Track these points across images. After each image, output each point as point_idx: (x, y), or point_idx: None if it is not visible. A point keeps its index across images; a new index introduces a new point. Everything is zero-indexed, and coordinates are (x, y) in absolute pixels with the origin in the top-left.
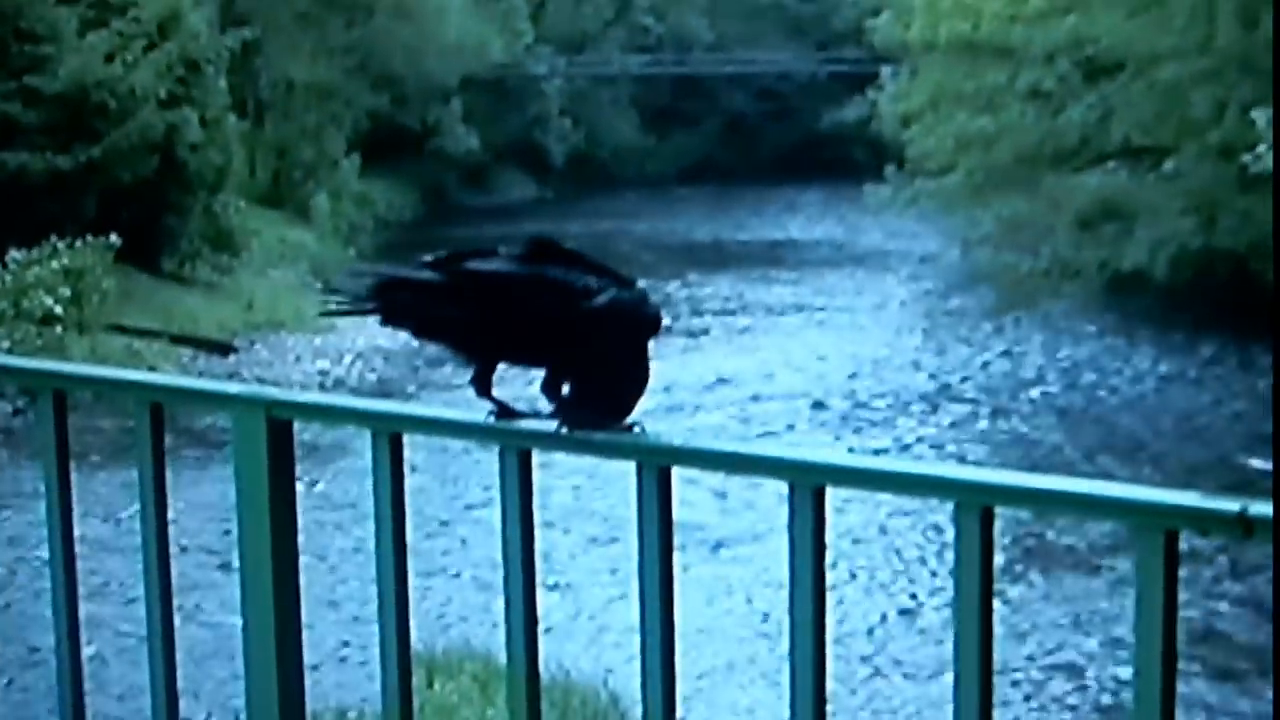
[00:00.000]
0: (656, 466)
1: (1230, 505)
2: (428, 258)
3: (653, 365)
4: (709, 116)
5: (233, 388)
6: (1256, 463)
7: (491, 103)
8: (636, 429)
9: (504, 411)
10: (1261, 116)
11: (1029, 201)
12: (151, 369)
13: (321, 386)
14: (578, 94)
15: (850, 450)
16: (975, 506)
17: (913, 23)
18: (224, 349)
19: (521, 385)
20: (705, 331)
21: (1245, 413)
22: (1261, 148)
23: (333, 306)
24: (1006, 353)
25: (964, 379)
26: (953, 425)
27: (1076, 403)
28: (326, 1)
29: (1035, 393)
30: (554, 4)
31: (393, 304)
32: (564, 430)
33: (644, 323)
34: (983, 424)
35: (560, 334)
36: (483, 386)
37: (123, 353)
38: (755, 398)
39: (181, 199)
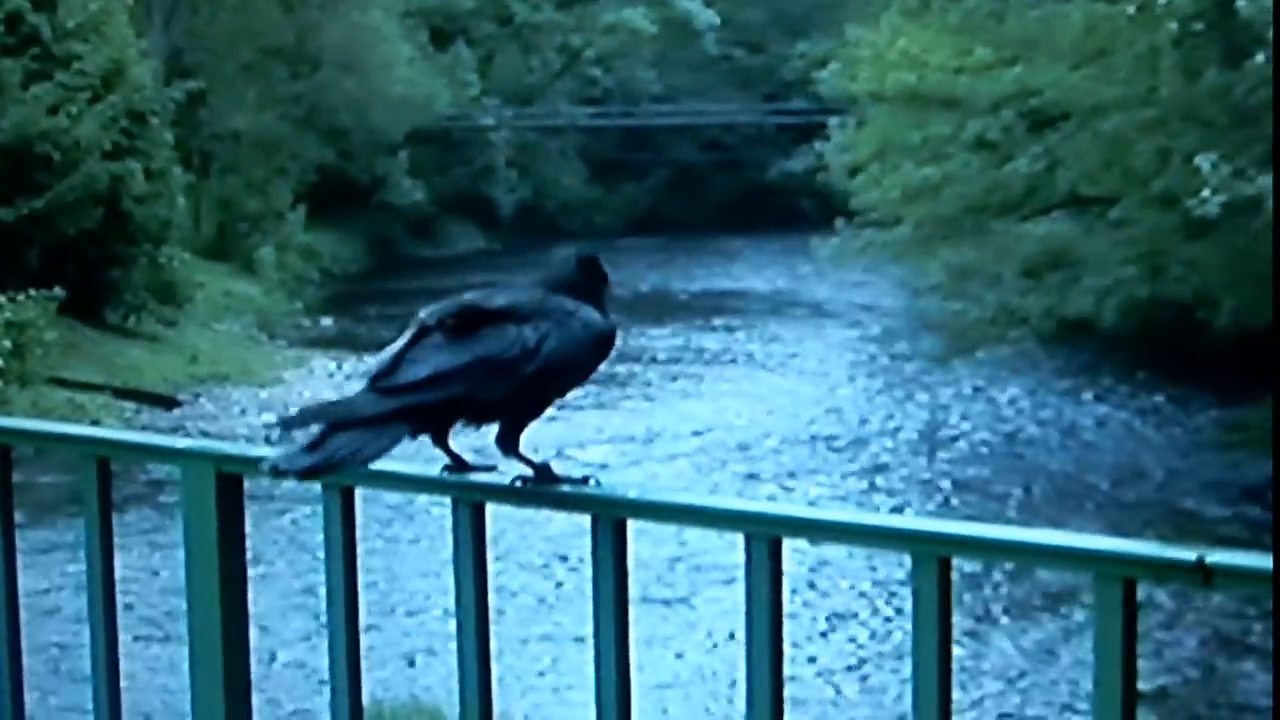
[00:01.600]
0: (612, 519)
1: (1187, 554)
2: (366, 367)
3: (595, 415)
4: (657, 168)
5: (181, 442)
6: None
7: (439, 154)
8: (591, 481)
9: (458, 465)
10: (1206, 162)
11: (976, 250)
12: (95, 423)
13: (267, 440)
14: (525, 146)
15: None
16: (932, 557)
17: (859, 74)
18: (168, 402)
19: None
20: (647, 383)
21: (1190, 458)
22: (1206, 192)
23: (281, 465)
24: (951, 399)
25: (907, 426)
26: (893, 473)
27: (1020, 449)
28: (272, 53)
29: (979, 439)
30: (501, 56)
31: (336, 451)
32: (518, 483)
33: (596, 350)
34: (925, 472)
35: (510, 399)
36: (438, 441)
37: (65, 406)
38: (694, 451)
39: (126, 251)
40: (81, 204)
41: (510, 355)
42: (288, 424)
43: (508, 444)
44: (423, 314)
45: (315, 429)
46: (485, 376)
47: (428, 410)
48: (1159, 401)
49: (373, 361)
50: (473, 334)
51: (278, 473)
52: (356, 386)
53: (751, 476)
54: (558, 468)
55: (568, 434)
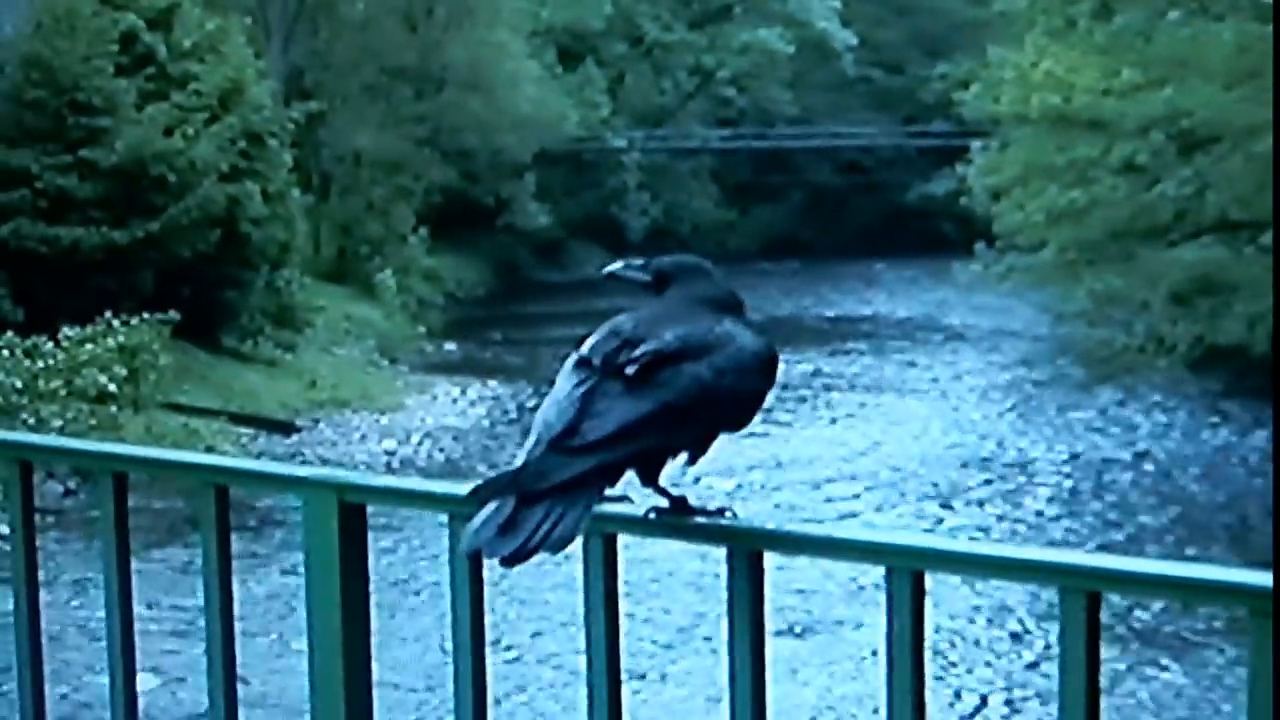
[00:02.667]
0: (747, 551)
1: None
2: (542, 423)
3: (727, 443)
4: (792, 191)
5: (303, 470)
6: None
7: (567, 176)
8: (727, 514)
9: (674, 504)
10: None
11: (1122, 276)
12: (209, 449)
13: (388, 467)
14: (656, 168)
15: (933, 532)
16: (1080, 591)
17: (1003, 95)
18: (285, 428)
19: None
20: (781, 410)
21: None
22: None
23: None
24: (1096, 428)
25: (1049, 455)
26: (1035, 502)
27: (1166, 479)
28: (395, 73)
29: (1123, 468)
30: (632, 76)
31: (535, 534)
32: (651, 514)
33: (767, 378)
34: (1067, 502)
35: (695, 442)
36: (646, 481)
37: (179, 431)
38: (833, 478)
39: (243, 274)
40: (197, 226)
41: (693, 399)
42: (478, 494)
43: (650, 475)
44: (586, 352)
45: (506, 502)
46: (672, 424)
47: (619, 467)
48: None
49: (547, 415)
50: (650, 379)
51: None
52: (478, 412)
53: (887, 506)
54: (692, 499)
55: (699, 463)
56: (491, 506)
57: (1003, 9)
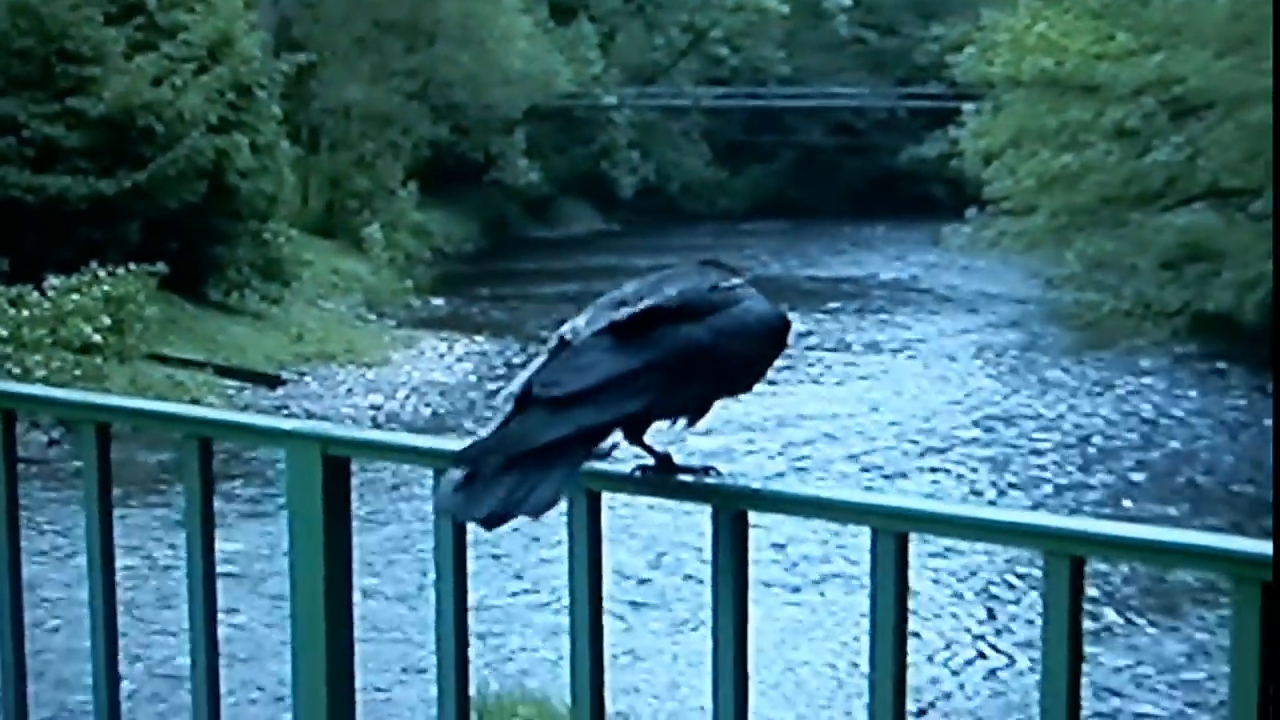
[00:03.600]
0: (733, 511)
1: None
2: (538, 392)
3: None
4: (783, 151)
5: (287, 424)
6: None
7: (557, 133)
8: (711, 473)
9: (661, 465)
10: None
11: (1113, 241)
12: (194, 401)
13: (374, 421)
14: (647, 126)
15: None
16: (1065, 555)
17: (996, 58)
18: (271, 381)
19: None
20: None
21: None
22: None
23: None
24: (1082, 393)
25: (1035, 419)
26: (1018, 466)
27: (1152, 445)
28: (386, 26)
29: (1108, 434)
30: (624, 33)
31: (513, 495)
32: (637, 473)
33: (772, 344)
34: (1051, 466)
35: (688, 406)
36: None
37: (165, 383)
38: (818, 439)
39: (230, 226)
40: (185, 177)
41: (686, 360)
42: (462, 460)
43: (635, 434)
44: (584, 315)
45: (485, 462)
46: (662, 385)
47: (603, 431)
48: None
49: (531, 367)
50: (643, 335)
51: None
52: (465, 367)
53: (872, 468)
54: (677, 457)
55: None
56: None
57: None
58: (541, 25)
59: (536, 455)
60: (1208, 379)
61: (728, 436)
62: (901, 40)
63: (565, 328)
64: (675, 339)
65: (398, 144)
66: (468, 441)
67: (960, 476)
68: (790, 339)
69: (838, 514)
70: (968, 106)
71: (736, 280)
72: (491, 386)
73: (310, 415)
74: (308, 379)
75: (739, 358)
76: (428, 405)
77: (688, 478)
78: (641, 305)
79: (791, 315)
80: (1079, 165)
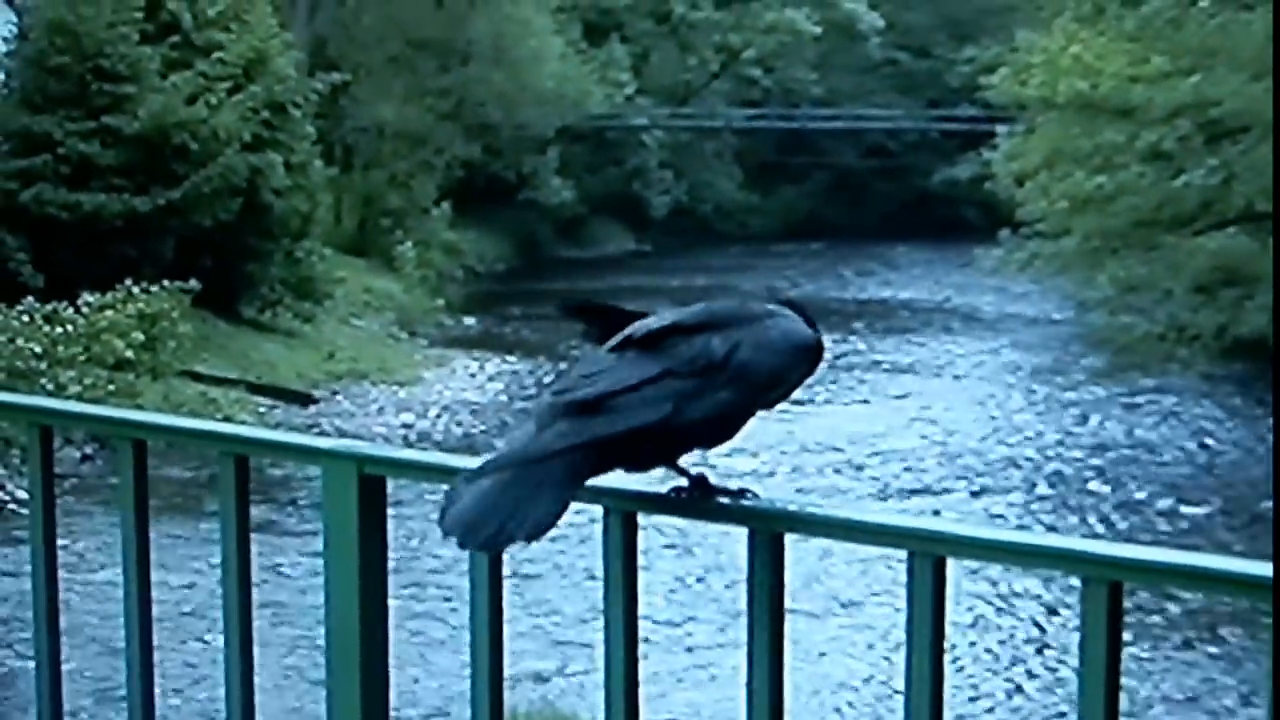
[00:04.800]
0: (769, 533)
1: None
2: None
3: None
4: (816, 173)
5: (323, 442)
6: None
7: (590, 153)
8: (748, 494)
9: (695, 485)
10: None
11: (1146, 264)
12: (227, 418)
13: (405, 440)
14: (680, 147)
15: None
16: (1103, 581)
17: (1030, 80)
18: (303, 399)
19: None
20: (807, 390)
21: None
22: None
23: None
24: (1116, 417)
25: (1069, 443)
26: (1051, 490)
27: (1186, 469)
28: (419, 45)
29: (1143, 458)
30: (657, 54)
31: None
32: (673, 494)
33: (797, 361)
34: (1085, 491)
35: (707, 424)
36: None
37: (197, 400)
38: (852, 461)
39: (264, 244)
40: (219, 195)
41: (696, 370)
42: (484, 470)
43: (669, 459)
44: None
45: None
46: (678, 395)
47: (612, 445)
48: None
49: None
50: (658, 346)
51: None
52: (496, 386)
53: (904, 488)
54: (712, 478)
55: None
56: (477, 484)
57: None
58: (574, 46)
59: (546, 463)
60: (1241, 403)
61: (757, 458)
62: (934, 62)
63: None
64: (691, 349)
65: (431, 163)
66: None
67: (992, 498)
68: (822, 359)
69: (875, 537)
70: (1001, 128)
71: (780, 308)
72: (522, 406)
73: (342, 433)
74: (340, 397)
75: (759, 371)
76: (459, 424)
77: (724, 499)
78: (665, 321)
79: (824, 337)
80: (1112, 188)
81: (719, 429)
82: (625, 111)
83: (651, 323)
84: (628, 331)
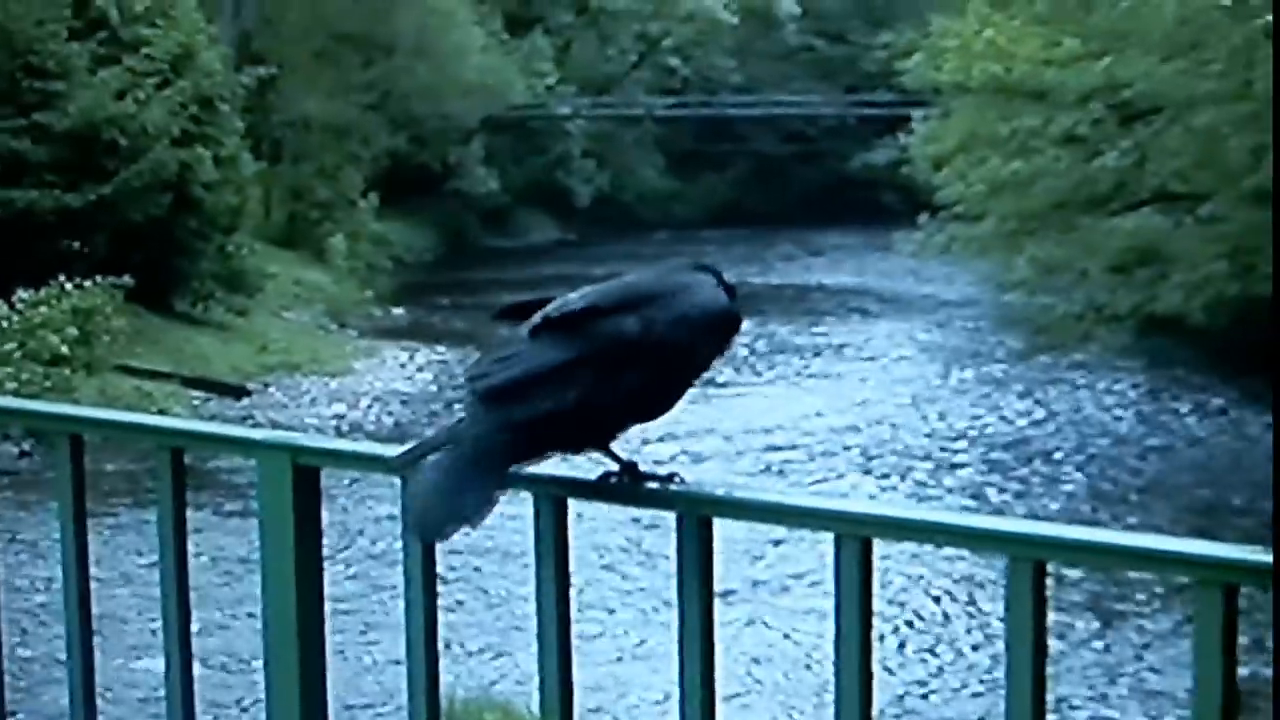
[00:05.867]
0: (698, 517)
1: None
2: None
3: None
4: (736, 159)
5: (257, 433)
6: None
7: (514, 143)
8: (676, 479)
9: (625, 470)
10: None
11: (1063, 246)
12: (162, 411)
13: (338, 430)
14: (602, 135)
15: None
16: (1028, 560)
17: (945, 65)
18: (237, 392)
19: None
20: (722, 377)
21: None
22: None
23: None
24: (1035, 396)
25: (988, 424)
26: (973, 471)
27: (1104, 448)
28: (344, 39)
29: (1061, 437)
30: (578, 45)
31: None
32: (601, 480)
33: (712, 335)
34: (1006, 470)
35: (623, 403)
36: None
37: (133, 394)
38: (775, 445)
39: (194, 239)
40: (149, 190)
41: (612, 351)
42: (411, 458)
43: (601, 444)
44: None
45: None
46: (589, 378)
47: (533, 427)
48: (1248, 400)
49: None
50: (577, 330)
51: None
52: (426, 377)
53: (828, 471)
54: (642, 465)
55: (635, 429)
56: (418, 478)
57: None
58: (496, 37)
59: (469, 451)
60: (1158, 381)
61: (681, 442)
62: (850, 48)
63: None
64: (605, 330)
65: (357, 155)
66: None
67: (913, 479)
68: (739, 329)
69: (801, 520)
70: (917, 113)
71: (704, 277)
72: (452, 395)
73: (275, 424)
74: (272, 389)
75: (674, 348)
76: (390, 414)
77: (653, 485)
78: (581, 304)
79: (747, 322)
80: (1028, 171)
81: (645, 406)
82: (548, 101)
83: (570, 304)
84: (545, 313)
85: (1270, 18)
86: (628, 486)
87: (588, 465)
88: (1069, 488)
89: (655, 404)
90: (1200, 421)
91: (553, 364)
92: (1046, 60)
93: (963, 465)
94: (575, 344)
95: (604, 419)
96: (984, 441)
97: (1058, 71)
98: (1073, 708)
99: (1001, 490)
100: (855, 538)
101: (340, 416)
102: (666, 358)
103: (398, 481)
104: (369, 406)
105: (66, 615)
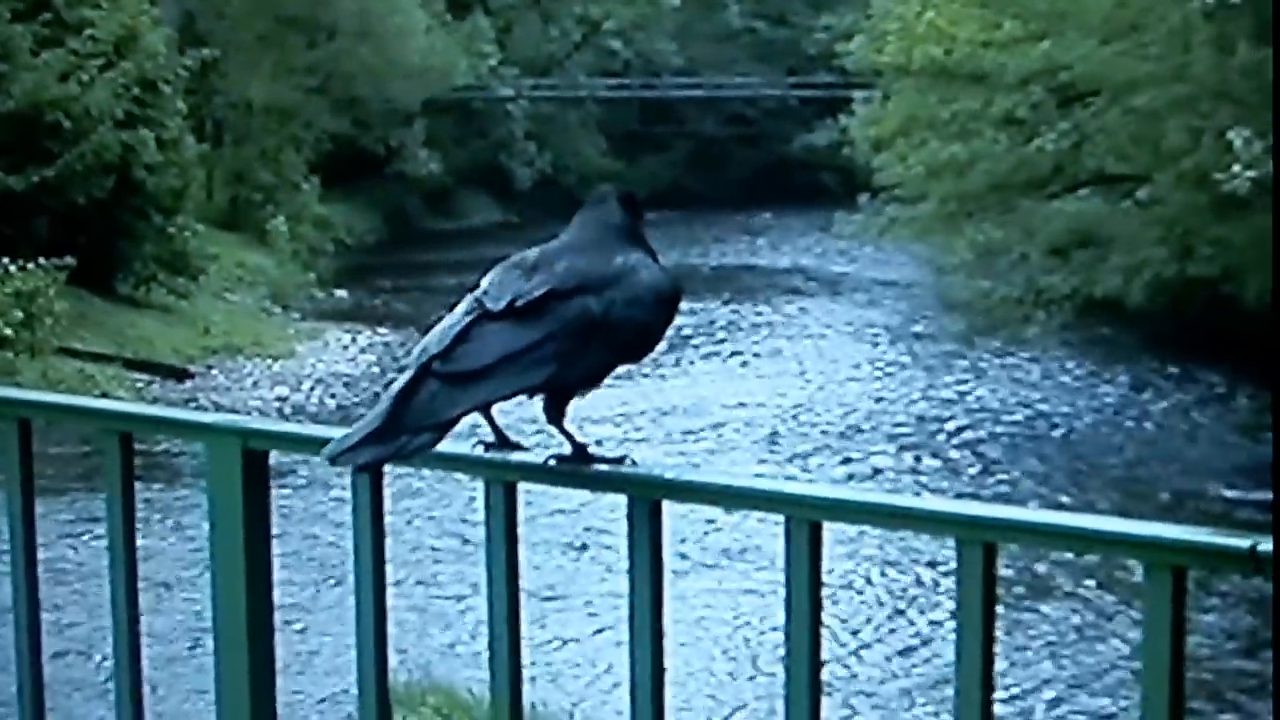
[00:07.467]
0: (648, 500)
1: (1240, 542)
2: (420, 346)
3: (607, 391)
4: (677, 141)
5: (207, 417)
6: (1229, 493)
7: (456, 125)
8: (626, 462)
9: (501, 442)
10: (1238, 138)
11: (1002, 228)
12: (104, 394)
13: (280, 413)
14: (544, 117)
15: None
16: (977, 542)
17: (885, 47)
18: (180, 374)
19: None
20: (664, 359)
21: (1219, 441)
22: (1237, 167)
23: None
24: (975, 378)
25: (929, 406)
26: (914, 453)
27: (1044, 430)
28: (287, 22)
29: (1002, 420)
30: (520, 27)
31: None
32: (551, 462)
33: (663, 312)
34: (946, 453)
35: (582, 379)
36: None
37: (75, 377)
38: (710, 428)
39: (137, 221)
40: (92, 173)
41: (578, 331)
42: (368, 435)
43: (555, 414)
44: (484, 285)
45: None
46: (558, 357)
47: (502, 400)
48: (1187, 382)
49: (427, 340)
50: (538, 311)
51: (333, 461)
52: (369, 359)
53: (770, 456)
54: (594, 447)
55: (577, 411)
56: (360, 422)
57: None
58: (439, 19)
59: (434, 428)
60: (1096, 362)
61: (619, 425)
62: (791, 30)
63: (479, 290)
64: (569, 311)
65: (300, 137)
66: (368, 414)
67: (854, 464)
68: (680, 306)
69: (752, 503)
70: (858, 95)
71: (637, 254)
72: (394, 376)
73: (219, 407)
74: (215, 372)
75: (632, 327)
76: (333, 396)
77: (603, 467)
78: (540, 290)
79: (690, 303)
80: (968, 153)
81: (599, 380)
82: (490, 83)
83: (529, 295)
84: (508, 298)
85: (1210, 1)
86: (578, 470)
87: (540, 447)
88: (1003, 469)
89: (598, 377)
90: (1132, 403)
91: (523, 346)
92: (986, 43)
93: (898, 448)
94: (543, 325)
95: (566, 397)
96: (919, 425)
97: (998, 54)
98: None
99: (934, 470)
100: (805, 521)
101: (283, 399)
102: (629, 335)
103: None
104: (311, 389)
105: (14, 601)
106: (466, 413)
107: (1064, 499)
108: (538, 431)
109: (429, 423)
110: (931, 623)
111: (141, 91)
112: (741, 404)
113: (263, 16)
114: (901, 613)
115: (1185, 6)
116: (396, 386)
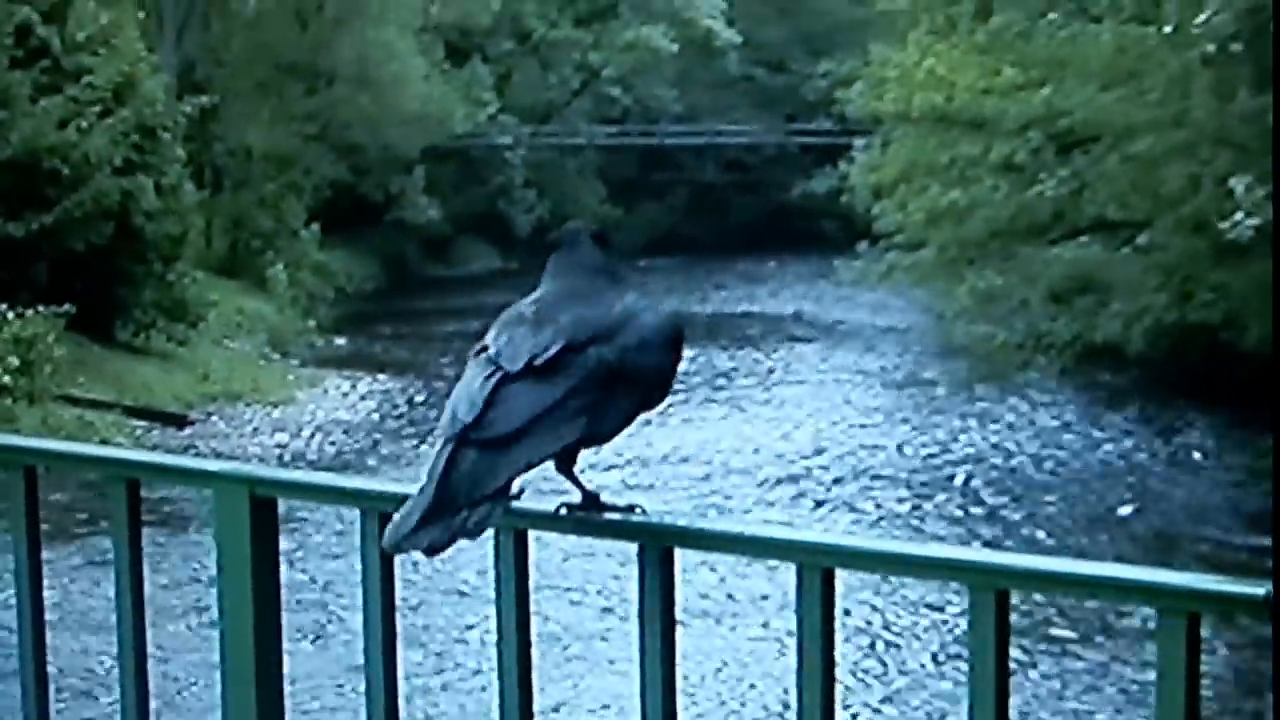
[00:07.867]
0: (660, 548)
1: (1254, 589)
2: (448, 416)
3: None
4: (676, 188)
5: (214, 464)
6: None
7: (455, 172)
8: (637, 510)
9: (587, 501)
10: (1239, 185)
11: (1002, 274)
12: (104, 441)
13: (280, 460)
14: (543, 164)
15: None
16: (990, 589)
17: (885, 94)
18: (179, 421)
19: None
20: (665, 408)
21: (1220, 487)
22: (1239, 215)
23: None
24: (979, 427)
25: (929, 453)
26: (915, 500)
27: (1045, 477)
28: (286, 69)
29: (1002, 466)
30: (519, 74)
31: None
32: (563, 510)
33: (673, 352)
34: (947, 500)
35: (616, 428)
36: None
37: (74, 424)
38: (714, 474)
39: (136, 268)
40: (91, 219)
41: (600, 382)
42: (416, 517)
43: (567, 464)
44: (491, 344)
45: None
46: (585, 410)
47: (545, 461)
48: (1188, 429)
49: (456, 408)
50: (557, 367)
51: (396, 549)
52: (368, 405)
53: (772, 502)
54: (604, 496)
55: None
56: (410, 504)
57: (885, 8)
58: (437, 66)
59: (489, 499)
60: (1097, 408)
61: (617, 471)
62: (791, 77)
63: (490, 351)
64: (587, 364)
65: (299, 184)
66: (411, 495)
67: (856, 507)
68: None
69: (763, 550)
70: (857, 142)
71: (630, 295)
72: (393, 424)
73: (218, 454)
74: (215, 418)
75: (649, 372)
76: (332, 443)
77: (614, 516)
78: (555, 346)
79: (689, 351)
80: (968, 200)
81: (620, 429)
82: (489, 130)
83: (546, 354)
84: (525, 358)
85: (1211, 48)
86: (589, 517)
87: (550, 494)
88: (1004, 516)
89: (622, 424)
90: (1133, 448)
91: (552, 403)
92: (986, 89)
93: (900, 496)
94: (565, 380)
95: (596, 443)
96: (920, 472)
97: (998, 100)
98: None
99: (936, 518)
100: (817, 568)
101: (283, 446)
102: (644, 382)
103: (356, 513)
104: (311, 435)
105: (20, 649)
106: (513, 478)
107: (1069, 543)
108: (545, 479)
109: (478, 495)
110: (938, 665)
111: (140, 138)
112: (741, 450)
113: (261, 64)
114: (908, 656)
115: (1185, 53)
116: (440, 462)
